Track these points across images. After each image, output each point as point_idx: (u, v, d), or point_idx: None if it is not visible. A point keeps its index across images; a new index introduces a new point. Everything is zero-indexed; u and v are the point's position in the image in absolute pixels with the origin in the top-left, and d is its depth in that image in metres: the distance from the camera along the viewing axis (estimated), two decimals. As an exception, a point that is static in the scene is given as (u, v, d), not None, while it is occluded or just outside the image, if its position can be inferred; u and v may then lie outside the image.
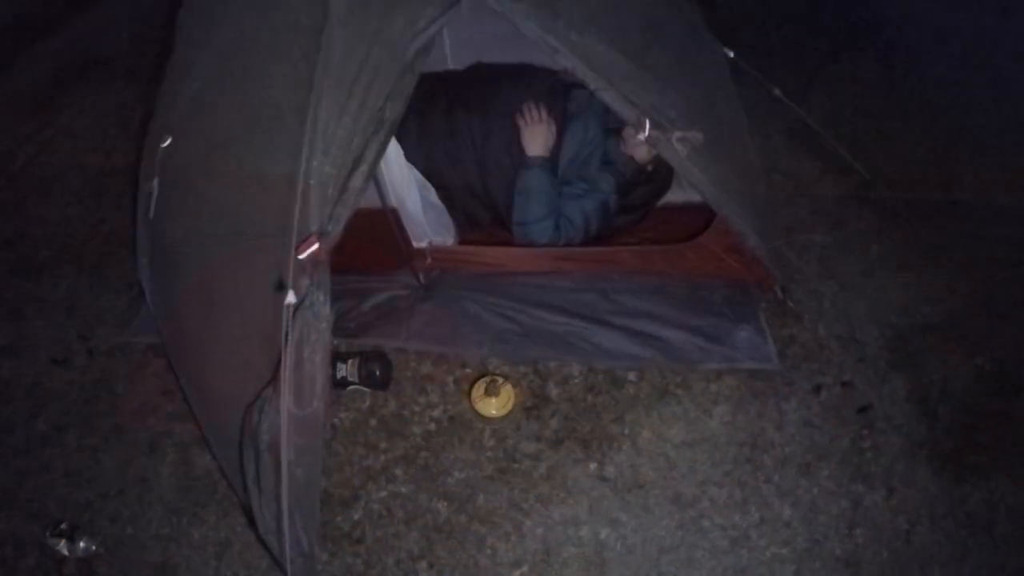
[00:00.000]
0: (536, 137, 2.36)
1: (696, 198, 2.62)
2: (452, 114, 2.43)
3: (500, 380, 2.19)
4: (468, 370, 2.33)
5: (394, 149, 2.11)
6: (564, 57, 1.77)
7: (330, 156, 1.56)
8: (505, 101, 2.43)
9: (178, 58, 2.13)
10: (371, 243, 2.27)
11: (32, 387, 2.37)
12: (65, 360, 2.44)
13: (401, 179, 2.19)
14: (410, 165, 2.24)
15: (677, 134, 1.91)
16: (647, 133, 1.87)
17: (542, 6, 1.73)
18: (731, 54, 2.41)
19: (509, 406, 2.18)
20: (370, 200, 2.06)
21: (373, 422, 2.25)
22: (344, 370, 2.25)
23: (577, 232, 2.38)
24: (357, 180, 1.59)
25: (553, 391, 2.26)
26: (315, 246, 1.49)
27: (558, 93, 2.48)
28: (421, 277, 2.52)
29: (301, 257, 1.48)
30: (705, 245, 2.36)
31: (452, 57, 2.97)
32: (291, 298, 1.47)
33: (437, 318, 2.41)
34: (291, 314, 1.46)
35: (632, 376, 2.29)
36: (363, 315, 2.46)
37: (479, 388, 2.19)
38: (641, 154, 2.38)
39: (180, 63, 2.11)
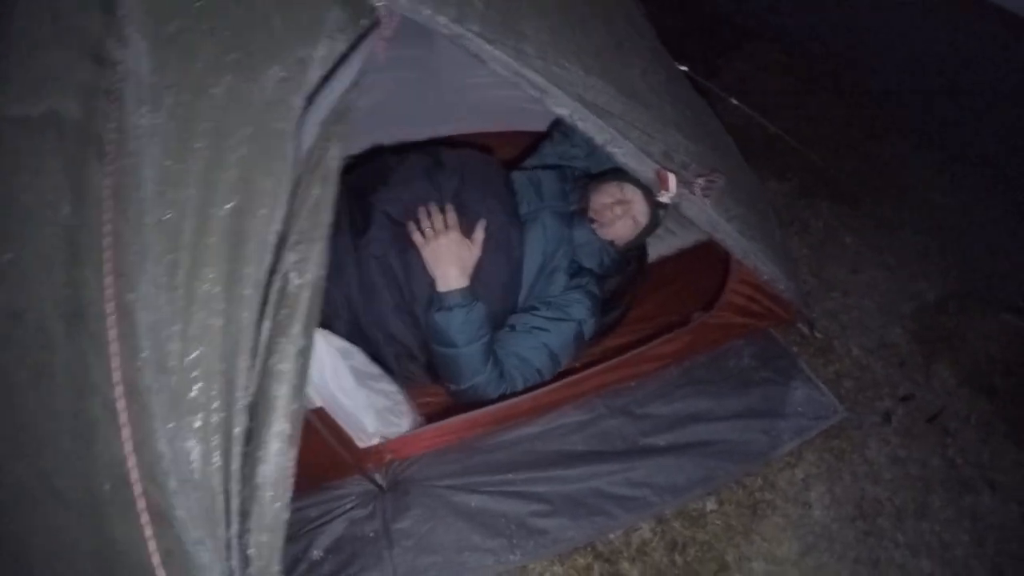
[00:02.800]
0: (445, 257, 1.58)
1: (667, 250, 2.19)
2: (358, 241, 1.66)
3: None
4: (511, 589, 1.62)
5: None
6: (554, 99, 1.19)
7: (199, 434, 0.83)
8: (406, 200, 1.68)
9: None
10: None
11: None
12: None
13: (325, 366, 1.44)
14: (334, 344, 1.49)
15: (700, 181, 1.42)
16: (672, 190, 1.35)
17: (507, 33, 1.13)
18: (684, 68, 1.95)
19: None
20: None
21: None
22: None
23: (544, 374, 1.71)
24: (276, 459, 0.86)
25: (632, 571, 1.64)
26: None
27: (500, 186, 1.79)
28: (378, 478, 1.75)
29: None
30: (727, 305, 1.86)
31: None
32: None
33: (428, 536, 1.65)
34: None
35: (711, 504, 1.74)
36: (318, 568, 1.65)
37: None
38: (625, 229, 1.80)
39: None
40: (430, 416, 1.78)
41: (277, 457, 0.85)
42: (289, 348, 0.85)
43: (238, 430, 0.83)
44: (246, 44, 0.89)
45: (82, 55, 0.87)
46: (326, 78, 0.90)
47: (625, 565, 1.63)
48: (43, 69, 0.88)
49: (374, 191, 1.69)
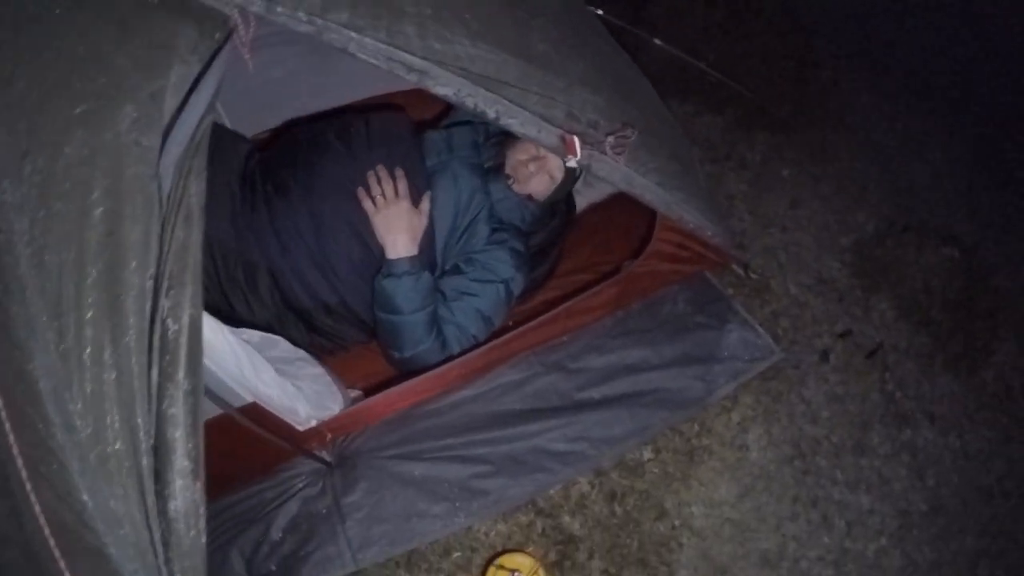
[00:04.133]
0: (396, 224, 1.62)
1: (596, 197, 2.18)
2: (259, 197, 1.68)
3: (517, 569, 1.58)
4: (456, 554, 1.70)
5: (213, 326, 1.37)
6: (435, 79, 1.16)
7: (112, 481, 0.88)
8: (339, 167, 1.69)
9: None
10: (240, 450, 1.56)
11: None
12: None
13: (243, 363, 1.45)
14: (252, 340, 1.50)
15: (610, 139, 1.40)
16: (579, 154, 1.33)
17: (380, 15, 1.11)
18: (599, 12, 1.91)
19: (535, 583, 1.58)
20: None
21: None
22: None
23: (478, 338, 1.75)
24: (183, 496, 0.90)
25: (574, 524, 1.70)
26: None
27: (409, 143, 1.78)
28: (326, 455, 1.80)
29: None
30: (655, 254, 1.86)
31: (231, 116, 2.16)
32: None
33: (377, 507, 1.71)
34: None
35: (648, 454, 1.79)
36: (279, 547, 1.72)
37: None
38: (542, 186, 1.79)
39: None
40: (367, 391, 1.83)
41: (183, 492, 0.90)
42: (177, 393, 0.88)
43: (146, 471, 0.88)
44: (94, 91, 0.88)
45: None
46: (180, 108, 0.89)
47: (566, 519, 1.69)
48: None
49: (292, 167, 1.69)
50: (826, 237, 2.26)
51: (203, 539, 0.92)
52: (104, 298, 0.86)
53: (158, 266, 0.87)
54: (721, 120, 2.58)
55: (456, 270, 1.74)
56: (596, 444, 1.74)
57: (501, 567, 1.58)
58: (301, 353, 1.64)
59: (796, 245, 2.22)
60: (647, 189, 1.54)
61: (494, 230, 1.76)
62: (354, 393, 1.83)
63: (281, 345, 1.58)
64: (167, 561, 0.90)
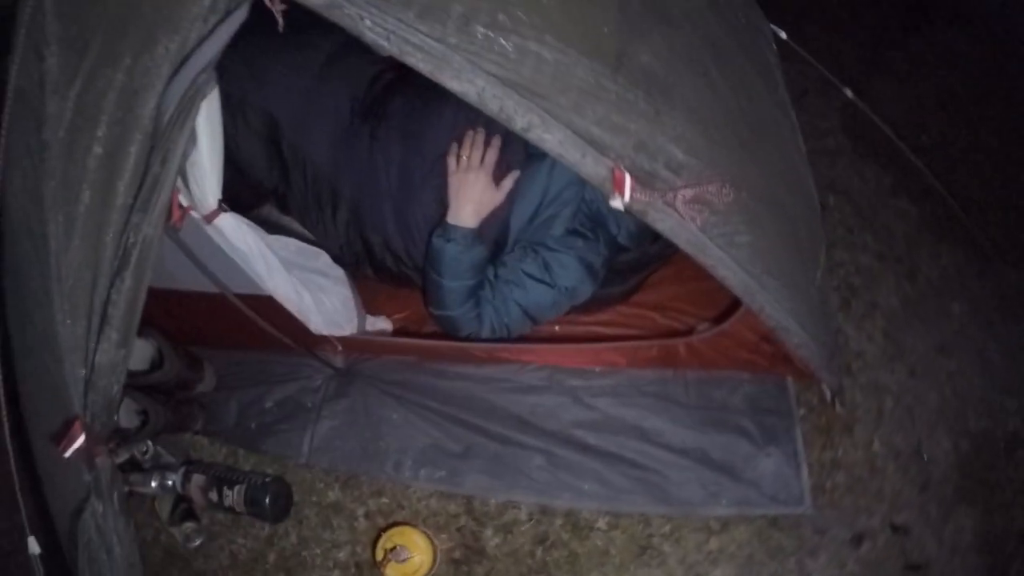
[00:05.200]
0: (466, 192, 1.55)
1: None
2: (366, 128, 1.67)
3: (407, 546, 1.61)
4: (384, 499, 1.76)
5: (234, 224, 1.44)
6: (455, 72, 1.00)
7: (76, 316, 1.11)
8: (443, 120, 1.63)
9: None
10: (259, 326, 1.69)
11: None
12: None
13: (265, 265, 1.52)
14: (269, 236, 1.56)
15: (686, 192, 1.15)
16: (628, 197, 1.10)
17: None
18: (782, 34, 1.63)
19: (423, 570, 1.60)
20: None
21: (272, 556, 1.78)
22: (230, 497, 1.71)
23: (514, 329, 1.66)
24: (106, 354, 1.10)
25: (490, 542, 1.68)
26: (80, 438, 1.10)
27: None
28: (338, 361, 1.90)
29: (66, 454, 1.09)
30: (729, 336, 1.64)
31: None
32: (33, 546, 1.17)
33: (349, 425, 1.81)
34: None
35: (602, 523, 1.67)
36: (265, 414, 1.90)
37: (383, 546, 1.62)
38: None
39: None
40: (399, 327, 1.92)
41: (107, 352, 1.10)
42: (121, 287, 1.07)
43: (94, 326, 1.11)
44: (126, 38, 1.02)
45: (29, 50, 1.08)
46: (184, 60, 0.97)
47: (488, 532, 1.67)
48: (19, 58, 1.09)
49: (403, 105, 1.67)
50: (957, 408, 1.83)
51: (115, 389, 1.13)
52: (100, 198, 1.06)
53: (137, 189, 1.04)
54: (915, 212, 2.11)
55: (518, 256, 1.66)
56: (560, 485, 1.68)
57: (398, 547, 1.61)
58: (338, 273, 1.71)
59: (915, 400, 1.83)
60: (723, 264, 1.28)
61: (570, 232, 1.64)
62: (386, 323, 1.90)
63: (322, 259, 1.66)
64: (86, 392, 1.12)
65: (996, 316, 1.95)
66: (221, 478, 1.71)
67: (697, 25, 1.36)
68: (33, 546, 1.17)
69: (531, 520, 1.68)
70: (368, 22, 0.96)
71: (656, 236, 1.72)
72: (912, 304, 1.98)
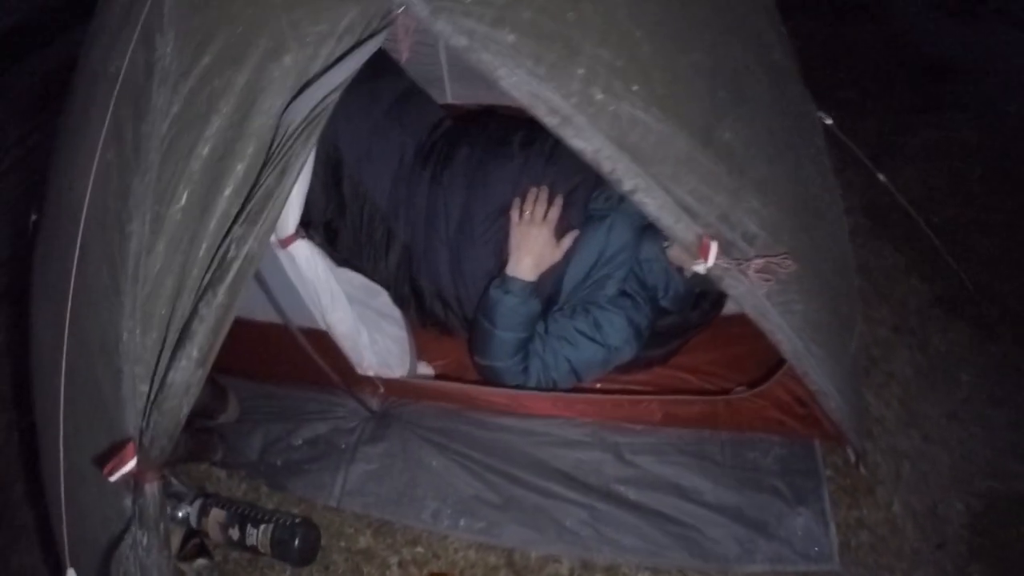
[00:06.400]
0: (528, 246, 1.60)
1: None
2: (427, 172, 1.72)
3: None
4: (419, 548, 1.72)
5: (308, 253, 1.44)
6: (577, 131, 1.07)
7: (148, 326, 1.05)
8: (508, 174, 1.68)
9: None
10: (302, 359, 1.65)
11: None
12: None
13: (331, 298, 1.51)
14: (337, 269, 1.55)
15: (757, 261, 1.23)
16: (712, 262, 1.19)
17: (551, 47, 1.05)
18: (828, 120, 1.71)
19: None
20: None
21: None
22: (254, 536, 1.66)
23: (558, 385, 1.70)
24: (182, 372, 1.02)
25: (531, 595, 1.66)
26: (131, 463, 1.02)
27: (583, 178, 1.71)
28: (374, 404, 1.87)
29: (112, 478, 1.01)
30: (768, 396, 1.71)
31: (452, 87, 2.25)
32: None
33: (385, 469, 1.78)
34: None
35: (644, 576, 1.68)
36: (292, 451, 1.85)
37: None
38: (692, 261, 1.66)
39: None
40: (441, 372, 1.90)
41: (184, 370, 1.02)
42: (213, 301, 0.99)
43: (168, 343, 1.04)
44: (253, 39, 0.99)
45: (139, 35, 1.04)
46: (314, 78, 0.97)
47: (529, 586, 1.66)
48: (121, 41, 1.06)
49: (467, 155, 1.70)
50: (968, 471, 1.93)
51: (184, 412, 1.04)
52: (200, 203, 1.02)
53: (245, 200, 0.99)
54: (927, 290, 2.25)
55: (569, 313, 1.69)
56: (601, 540, 1.68)
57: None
58: (396, 314, 1.70)
59: (929, 463, 1.92)
60: (780, 329, 1.37)
61: (623, 293, 1.68)
62: (428, 368, 1.89)
63: (381, 298, 1.65)
64: (148, 412, 1.04)
65: (1001, 386, 2.08)
66: (245, 515, 1.67)
67: (765, 111, 1.43)
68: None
69: (572, 574, 1.67)
70: (502, 71, 1.02)
71: (696, 303, 1.80)
72: (925, 374, 2.08)
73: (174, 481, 1.74)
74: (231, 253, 0.96)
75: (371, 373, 1.71)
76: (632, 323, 1.66)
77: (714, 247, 1.19)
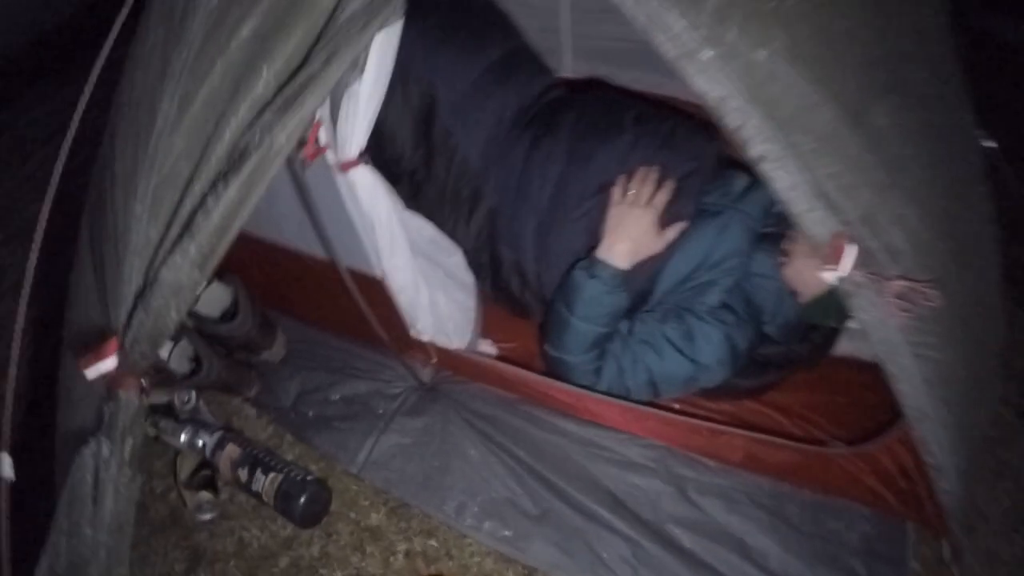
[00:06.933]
0: (626, 229, 1.39)
1: (864, 353, 1.71)
2: (527, 135, 1.53)
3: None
4: (432, 542, 1.55)
5: (371, 183, 1.26)
6: (701, 69, 0.85)
7: (156, 215, 0.94)
8: (614, 151, 1.47)
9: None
10: (350, 307, 1.48)
11: None
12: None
13: (390, 241, 1.33)
14: (411, 218, 1.37)
15: (898, 283, 1.00)
16: (846, 271, 0.96)
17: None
18: (991, 143, 1.44)
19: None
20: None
21: (284, 561, 1.58)
22: (261, 483, 1.52)
23: (634, 395, 1.49)
24: (175, 271, 0.90)
25: (545, 629, 1.47)
26: (110, 360, 0.92)
27: (699, 167, 1.49)
28: (424, 374, 1.70)
29: (87, 373, 0.92)
30: (870, 460, 1.45)
31: (573, 61, 2.08)
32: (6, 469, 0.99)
33: (418, 447, 1.62)
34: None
35: (679, 638, 1.47)
36: (327, 405, 1.71)
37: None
38: (813, 283, 1.39)
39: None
40: (503, 354, 1.73)
41: (174, 267, 0.91)
42: (224, 194, 0.88)
43: (175, 231, 0.93)
44: None
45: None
46: None
47: (546, 617, 1.47)
48: None
49: (573, 125, 1.52)
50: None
51: (172, 317, 0.93)
52: (232, 83, 0.90)
53: (280, 86, 0.88)
54: None
55: (660, 317, 1.47)
56: (640, 582, 1.47)
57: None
58: (469, 279, 1.55)
59: (1028, 582, 1.65)
60: (909, 377, 1.12)
61: (725, 306, 1.45)
62: (491, 347, 1.72)
63: (454, 258, 1.48)
64: (134, 308, 0.94)
65: None
66: (258, 458, 1.55)
67: (926, 108, 1.17)
68: (7, 469, 0.98)
69: (600, 616, 1.47)
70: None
71: (804, 336, 1.55)
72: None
73: (203, 407, 1.63)
74: (254, 141, 0.84)
75: (425, 338, 1.54)
76: (730, 342, 1.43)
77: (852, 252, 0.96)
